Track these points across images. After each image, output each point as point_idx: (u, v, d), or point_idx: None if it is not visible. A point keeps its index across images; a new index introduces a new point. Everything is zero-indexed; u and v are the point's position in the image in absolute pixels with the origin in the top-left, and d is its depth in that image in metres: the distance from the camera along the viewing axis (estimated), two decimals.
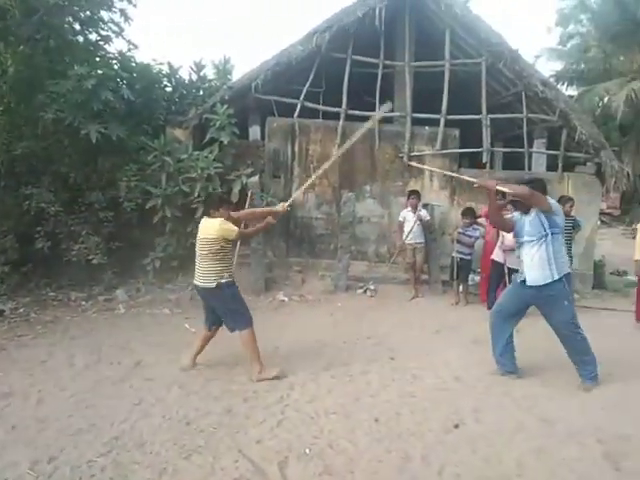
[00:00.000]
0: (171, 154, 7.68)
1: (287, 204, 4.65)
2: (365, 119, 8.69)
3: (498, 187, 4.15)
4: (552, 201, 4.19)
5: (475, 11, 8.45)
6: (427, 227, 7.76)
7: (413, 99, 8.79)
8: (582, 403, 3.92)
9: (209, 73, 9.78)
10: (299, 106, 8.62)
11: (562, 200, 7.12)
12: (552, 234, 4.09)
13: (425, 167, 8.27)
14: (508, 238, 6.65)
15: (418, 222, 7.52)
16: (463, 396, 4.00)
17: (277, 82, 8.50)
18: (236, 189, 7.96)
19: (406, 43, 8.82)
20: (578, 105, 11.38)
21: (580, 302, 7.72)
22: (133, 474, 2.78)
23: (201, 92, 9.27)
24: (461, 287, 7.38)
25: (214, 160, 7.81)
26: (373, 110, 8.60)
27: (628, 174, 8.96)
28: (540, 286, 4.11)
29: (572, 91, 19.62)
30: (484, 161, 8.74)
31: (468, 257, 7.30)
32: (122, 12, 8.08)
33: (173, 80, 9.05)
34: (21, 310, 6.23)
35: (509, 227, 4.40)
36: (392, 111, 8.42)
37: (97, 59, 7.95)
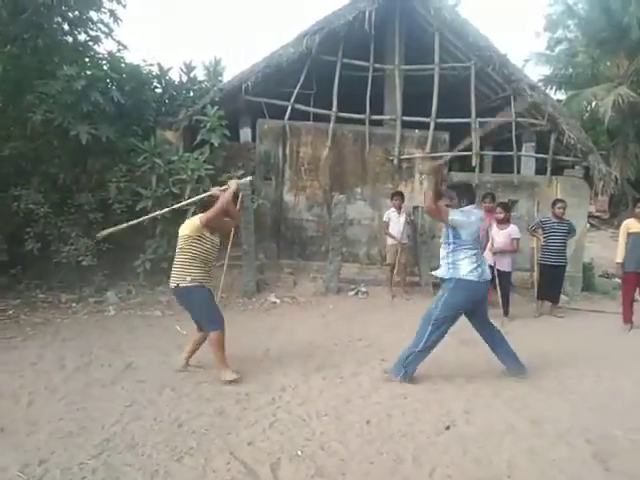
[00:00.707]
0: (161, 156, 7.66)
1: (223, 188, 4.45)
2: (355, 122, 8.80)
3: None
4: (459, 217, 4.18)
5: (464, 15, 8.58)
6: (414, 228, 7.88)
7: (403, 102, 8.86)
8: (571, 404, 3.96)
9: (199, 74, 9.81)
10: (290, 108, 8.65)
11: (554, 203, 7.22)
12: (454, 244, 4.24)
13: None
14: (497, 240, 6.73)
15: (408, 221, 7.61)
16: (454, 397, 4.02)
17: (268, 84, 8.52)
18: None
19: (396, 47, 8.90)
20: (566, 109, 11.50)
21: (569, 304, 7.84)
22: (125, 476, 2.76)
23: (191, 93, 9.27)
24: None
25: (205, 162, 7.81)
26: (363, 112, 8.68)
27: (616, 178, 9.09)
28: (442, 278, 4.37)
29: (560, 95, 19.84)
30: (473, 164, 8.82)
31: None
32: (111, 12, 8.07)
33: (163, 81, 9.03)
34: (11, 312, 6.17)
35: (443, 217, 4.24)
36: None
37: (86, 60, 7.92)
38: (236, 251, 7.40)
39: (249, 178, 5.17)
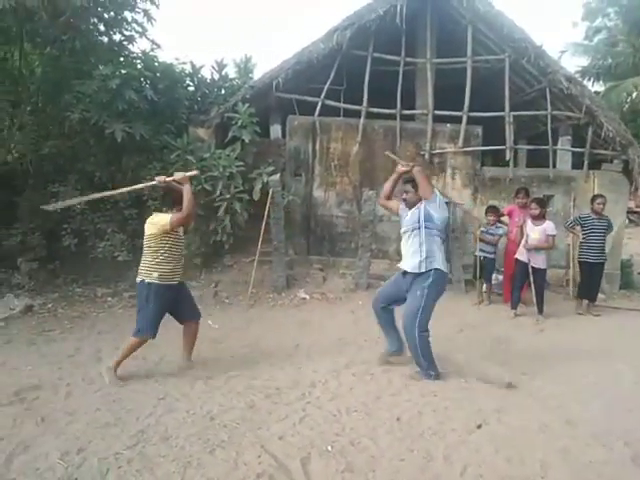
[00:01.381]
0: (194, 153, 7.77)
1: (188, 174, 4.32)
2: (386, 117, 8.73)
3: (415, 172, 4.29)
4: (438, 198, 4.23)
5: (498, 6, 8.37)
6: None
7: (435, 96, 8.73)
8: (608, 404, 3.85)
9: (230, 72, 9.89)
10: (320, 104, 8.64)
11: (593, 199, 7.02)
12: (425, 228, 4.16)
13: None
14: (532, 237, 6.58)
15: None
16: (486, 396, 3.96)
17: (298, 80, 8.53)
18: (257, 187, 8.01)
19: (427, 40, 8.76)
20: (605, 101, 11.16)
21: (607, 302, 7.61)
22: (159, 467, 2.83)
23: (223, 91, 9.34)
24: (484, 286, 7.33)
25: (236, 159, 7.88)
26: (394, 107, 8.60)
27: None
28: (411, 273, 4.23)
29: (598, 87, 19.22)
30: (507, 159, 8.64)
31: (491, 256, 7.23)
32: (145, 12, 8.18)
33: (195, 79, 9.14)
34: (49, 306, 6.38)
35: (393, 210, 4.43)
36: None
37: (121, 59, 8.07)
38: (266, 247, 7.47)
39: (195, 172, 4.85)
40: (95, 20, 7.98)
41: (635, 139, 8.74)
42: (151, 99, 7.43)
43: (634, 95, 17.54)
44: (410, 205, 4.34)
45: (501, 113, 8.65)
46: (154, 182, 4.26)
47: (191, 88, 9.14)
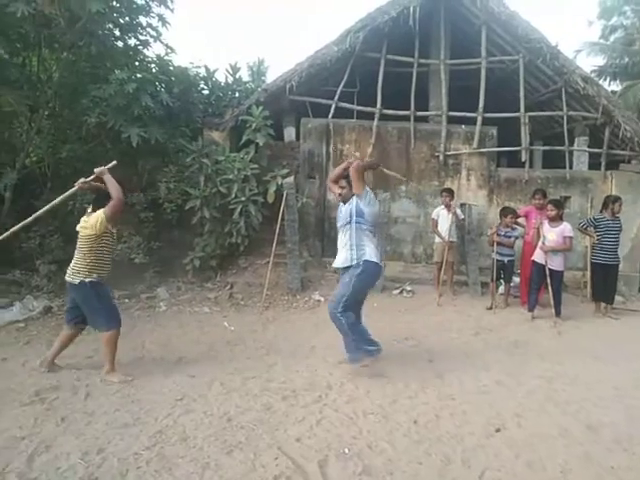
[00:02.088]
0: (209, 156, 7.83)
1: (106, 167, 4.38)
2: (399, 118, 8.71)
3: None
4: (369, 194, 4.31)
5: (512, 7, 8.32)
6: (460, 226, 7.74)
7: (449, 97, 8.69)
8: (630, 409, 3.80)
9: (244, 75, 9.94)
10: (333, 107, 8.65)
11: (609, 199, 6.93)
12: (356, 222, 4.25)
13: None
14: (549, 238, 6.52)
15: (456, 220, 7.50)
16: (504, 400, 3.93)
17: (311, 83, 8.56)
18: (272, 190, 8.04)
19: (441, 41, 8.74)
20: (622, 101, 11.01)
21: (626, 305, 7.50)
22: (177, 467, 2.84)
23: (237, 94, 9.42)
24: (501, 289, 7.28)
25: (250, 161, 7.93)
26: (407, 109, 8.58)
27: None
28: (344, 267, 4.34)
29: (615, 86, 18.93)
30: (523, 160, 8.57)
31: (510, 258, 7.16)
32: (160, 17, 8.25)
33: (210, 83, 9.23)
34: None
35: (358, 188, 4.31)
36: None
37: (136, 64, 8.15)
38: (281, 249, 7.49)
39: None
40: (110, 25, 8.06)
41: None
42: (166, 103, 7.50)
43: None
44: (344, 200, 4.42)
45: (516, 114, 8.59)
46: (75, 188, 4.40)
47: (205, 92, 9.22)
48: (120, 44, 8.36)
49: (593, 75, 12.93)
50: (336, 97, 8.64)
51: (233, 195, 7.70)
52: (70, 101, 7.74)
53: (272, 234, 7.20)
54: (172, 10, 8.25)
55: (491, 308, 6.93)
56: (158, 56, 8.37)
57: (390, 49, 8.66)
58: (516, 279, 7.57)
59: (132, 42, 8.40)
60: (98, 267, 4.19)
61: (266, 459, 2.96)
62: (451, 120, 8.67)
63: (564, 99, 8.59)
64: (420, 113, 8.73)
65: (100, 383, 4.06)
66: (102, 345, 4.24)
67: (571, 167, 8.70)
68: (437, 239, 7.68)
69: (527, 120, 8.57)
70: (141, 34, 8.34)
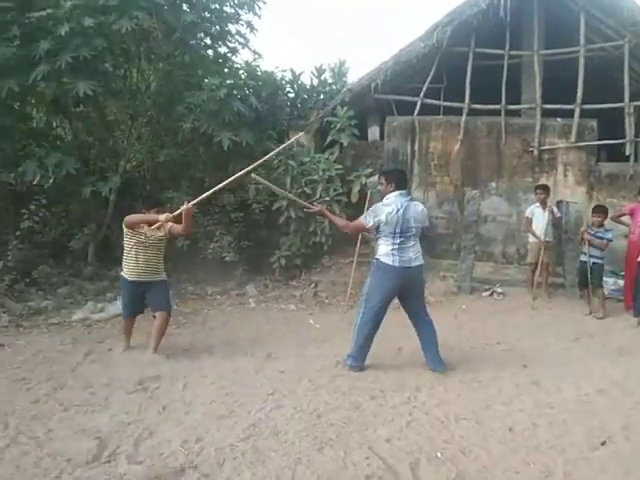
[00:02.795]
0: (294, 157, 8.00)
1: (171, 215, 4.59)
2: (489, 113, 8.38)
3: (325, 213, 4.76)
4: (371, 219, 4.28)
5: None
6: (557, 225, 7.27)
7: (543, 90, 8.23)
8: None
9: (327, 76, 10.02)
10: (419, 103, 8.50)
11: None
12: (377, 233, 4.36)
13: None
14: None
15: (552, 218, 7.07)
16: (609, 411, 3.65)
17: (396, 81, 8.49)
18: (355, 189, 8.07)
19: (535, 31, 8.32)
20: None
21: None
22: (271, 461, 2.92)
23: (322, 96, 9.51)
24: (594, 296, 6.64)
25: (334, 162, 8.00)
26: (497, 103, 8.24)
27: None
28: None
29: None
30: (627, 153, 7.93)
31: (595, 260, 6.46)
32: (248, 24, 8.55)
33: (296, 86, 9.41)
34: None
35: (362, 229, 4.60)
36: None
37: (226, 70, 8.51)
38: (364, 248, 7.46)
39: None
40: (202, 35, 8.48)
41: None
42: (255, 107, 7.74)
43: None
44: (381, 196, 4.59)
45: (620, 104, 7.96)
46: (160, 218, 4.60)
47: (291, 95, 9.42)
48: (211, 52, 8.77)
49: None
50: (422, 94, 8.48)
51: (317, 195, 7.81)
52: (166, 108, 8.22)
53: (356, 233, 7.19)
54: (260, 16, 8.53)
55: (590, 314, 6.45)
56: (246, 62, 8.67)
57: (479, 42, 8.36)
58: (620, 282, 7.01)
59: (222, 50, 8.78)
60: (125, 262, 4.79)
61: (357, 458, 2.95)
62: (546, 113, 8.21)
63: None
64: (512, 107, 8.35)
65: (196, 375, 4.27)
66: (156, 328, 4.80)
67: None
68: (531, 238, 7.28)
69: (632, 110, 7.91)
70: (230, 42, 8.69)
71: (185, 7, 7.80)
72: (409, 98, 8.61)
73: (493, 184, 8.39)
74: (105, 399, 3.76)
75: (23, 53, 6.45)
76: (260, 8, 8.37)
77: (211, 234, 7.64)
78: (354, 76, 9.26)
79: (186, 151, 8.29)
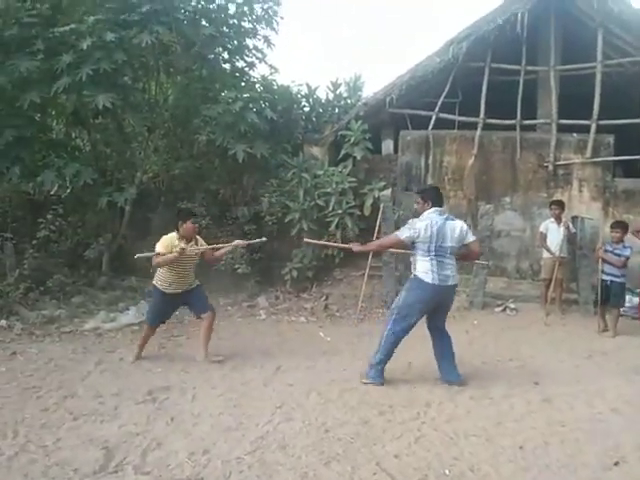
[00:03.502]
0: (308, 170, 8.06)
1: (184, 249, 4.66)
2: (504, 128, 8.36)
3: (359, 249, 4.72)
4: (407, 233, 4.29)
5: (636, 4, 7.70)
6: (572, 241, 7.18)
7: (559, 105, 8.19)
8: None
9: (343, 90, 10.10)
10: (434, 118, 8.51)
11: None
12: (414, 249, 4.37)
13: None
14: None
15: (567, 234, 6.98)
16: (623, 430, 3.57)
17: (411, 95, 8.51)
18: (368, 203, 8.08)
19: (551, 47, 8.30)
20: None
21: None
22: (277, 474, 2.90)
23: (336, 110, 9.59)
24: (608, 314, 6.50)
25: (348, 175, 8.03)
26: (512, 118, 8.22)
27: None
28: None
29: None
30: None
31: (615, 279, 6.23)
32: (265, 39, 8.67)
33: (311, 100, 9.50)
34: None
35: (398, 244, 4.62)
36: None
37: (242, 84, 8.62)
38: (376, 262, 7.44)
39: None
40: (220, 49, 8.63)
41: None
42: (270, 120, 7.82)
43: None
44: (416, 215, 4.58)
45: (636, 120, 7.88)
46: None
47: (307, 108, 9.51)
48: (228, 66, 8.92)
49: None
50: (437, 108, 8.50)
51: (330, 208, 7.84)
52: (183, 121, 8.36)
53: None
54: (277, 32, 8.65)
55: (603, 331, 6.33)
56: (263, 76, 8.79)
57: (495, 57, 8.37)
58: (635, 299, 6.88)
59: (239, 64, 8.92)
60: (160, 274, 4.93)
61: (364, 473, 2.93)
62: (561, 129, 8.16)
63: None
64: (527, 122, 8.32)
65: (205, 386, 4.28)
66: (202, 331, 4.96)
67: None
68: (545, 254, 7.20)
69: None
70: (247, 56, 8.84)
71: (204, 22, 7.96)
72: (424, 112, 8.63)
73: (507, 199, 8.33)
74: (114, 409, 3.79)
75: (46, 67, 6.63)
76: (278, 23, 8.51)
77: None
78: (370, 90, 9.34)
79: (201, 163, 8.40)
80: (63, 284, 6.98)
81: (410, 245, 4.39)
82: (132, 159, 8.28)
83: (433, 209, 4.34)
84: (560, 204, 7.20)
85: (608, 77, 8.23)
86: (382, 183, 8.22)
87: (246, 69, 9.02)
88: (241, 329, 6.24)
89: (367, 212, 8.00)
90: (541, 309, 7.08)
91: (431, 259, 4.23)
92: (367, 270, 7.19)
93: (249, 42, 8.73)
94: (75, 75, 6.51)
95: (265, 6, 8.34)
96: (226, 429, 3.46)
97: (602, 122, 7.95)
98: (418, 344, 5.65)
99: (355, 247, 4.70)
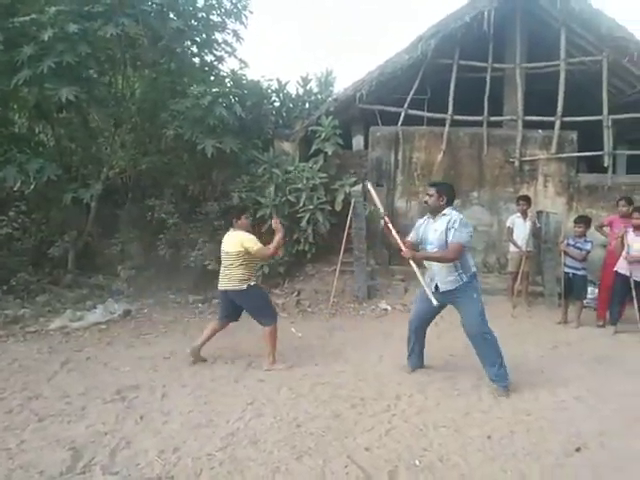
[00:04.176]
0: (279, 166, 8.02)
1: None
2: (472, 124, 8.50)
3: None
4: (467, 237, 4.14)
5: (595, 4, 7.90)
6: (537, 235, 7.37)
7: (525, 102, 8.38)
8: None
9: (313, 86, 10.09)
10: (403, 114, 8.58)
11: None
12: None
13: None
14: (634, 248, 6.10)
15: (533, 229, 7.15)
16: (585, 418, 3.70)
17: (381, 92, 8.56)
18: (339, 198, 8.09)
19: (517, 44, 8.47)
20: None
21: None
22: (249, 470, 2.90)
23: (307, 105, 9.56)
24: (572, 306, 6.67)
25: (319, 170, 8.04)
26: (480, 114, 8.35)
27: None
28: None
29: None
30: (605, 165, 8.09)
31: (577, 272, 6.45)
32: (235, 33, 8.57)
33: (281, 95, 9.45)
34: (145, 310, 6.80)
35: (461, 250, 4.14)
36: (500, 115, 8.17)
37: (212, 78, 8.51)
38: (348, 257, 7.50)
39: None
40: (189, 42, 8.49)
41: None
42: (239, 115, 7.74)
43: None
44: (432, 211, 4.36)
45: (598, 117, 8.13)
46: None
47: (277, 103, 9.45)
48: (197, 60, 8.78)
49: None
50: (406, 104, 8.57)
51: (301, 204, 7.82)
52: (151, 115, 8.19)
53: (339, 242, 7.22)
54: (246, 26, 8.56)
55: (560, 323, 6.53)
56: (232, 70, 8.67)
57: (462, 55, 8.49)
58: (595, 290, 7.10)
59: (208, 58, 8.80)
60: (254, 273, 4.79)
61: (336, 467, 2.95)
62: (527, 125, 8.35)
63: None
64: (494, 118, 8.47)
65: (175, 384, 4.23)
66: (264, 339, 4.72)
67: None
68: (512, 248, 7.36)
69: (610, 123, 8.09)
70: (216, 50, 8.71)
71: (172, 15, 7.81)
72: (393, 109, 8.69)
73: (475, 194, 8.49)
74: (81, 409, 3.72)
75: (5, 58, 6.40)
76: (247, 17, 8.43)
77: (193, 242, 7.60)
78: (341, 85, 9.37)
79: (169, 158, 8.25)
80: (27, 283, 6.79)
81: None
82: (98, 154, 8.08)
83: (451, 206, 4.29)
84: (527, 199, 7.37)
85: (571, 75, 8.46)
86: (353, 179, 8.25)
87: (215, 63, 8.90)
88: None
89: (338, 207, 8.02)
90: (508, 302, 7.24)
91: (467, 253, 4.28)
92: (339, 265, 7.22)
93: (218, 36, 8.61)
94: (36, 67, 6.31)
95: (234, 0, 8.24)
96: (196, 426, 3.44)
97: (566, 119, 8.17)
98: (389, 338, 5.75)
99: (407, 253, 4.30)
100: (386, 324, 6.53)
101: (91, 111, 7.86)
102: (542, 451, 3.21)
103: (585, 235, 6.49)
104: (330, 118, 8.15)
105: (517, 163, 8.28)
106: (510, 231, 7.36)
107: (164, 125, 7.78)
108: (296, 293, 7.69)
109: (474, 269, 4.31)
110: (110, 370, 4.60)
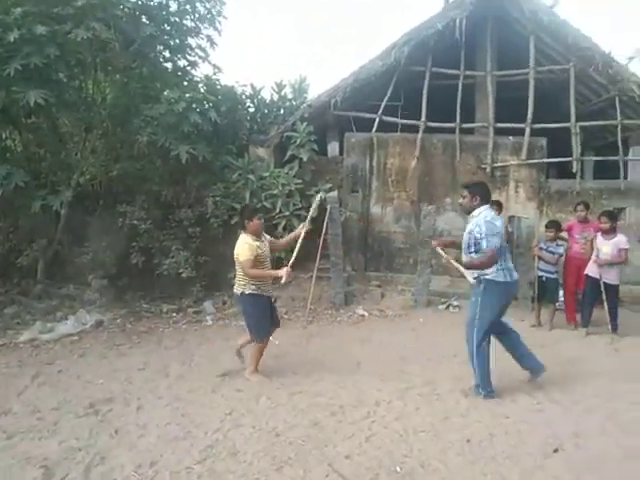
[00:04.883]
0: (254, 172, 7.97)
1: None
2: (445, 131, 8.61)
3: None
4: (494, 240, 3.96)
5: (563, 16, 8.14)
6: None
7: (496, 109, 8.54)
8: None
9: (288, 92, 10.07)
10: (377, 120, 8.65)
11: None
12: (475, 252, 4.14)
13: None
14: (604, 251, 6.25)
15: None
16: (561, 419, 3.76)
17: (355, 98, 8.60)
18: (315, 204, 8.06)
19: (488, 53, 8.65)
20: None
21: None
22: None
23: (282, 111, 9.54)
24: (545, 309, 6.80)
25: (294, 177, 8.02)
26: (453, 121, 8.48)
27: None
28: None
29: None
30: (574, 170, 8.30)
31: (553, 275, 6.63)
32: (208, 38, 8.50)
33: (256, 101, 9.41)
34: (118, 321, 6.65)
35: (493, 256, 3.99)
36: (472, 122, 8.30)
37: (185, 84, 8.40)
38: (324, 263, 7.48)
39: None
40: (161, 47, 8.37)
41: None
42: (214, 121, 7.67)
43: None
44: (465, 210, 4.31)
45: (566, 124, 8.34)
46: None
47: (251, 109, 9.41)
48: (170, 65, 8.67)
49: None
50: (380, 111, 8.63)
51: (277, 210, 7.79)
52: (122, 121, 8.04)
53: (315, 248, 7.20)
54: (220, 32, 8.50)
55: (534, 326, 6.65)
56: (206, 76, 8.60)
57: (435, 62, 8.61)
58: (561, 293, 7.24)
59: (181, 63, 8.69)
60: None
61: (316, 476, 2.92)
62: (498, 132, 8.51)
63: (618, 108, 8.28)
64: (466, 125, 8.61)
65: (150, 396, 4.14)
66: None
67: (626, 177, 8.35)
68: None
69: (578, 130, 8.31)
70: (190, 55, 8.61)
71: (144, 19, 7.70)
72: (368, 115, 8.75)
73: (448, 199, 8.59)
74: (54, 424, 3.61)
75: None
76: (220, 23, 8.37)
77: (167, 249, 7.45)
78: (315, 92, 9.34)
79: (142, 165, 8.11)
80: None
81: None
82: (68, 160, 7.88)
83: (486, 205, 4.14)
84: (499, 205, 7.48)
85: (541, 83, 8.67)
86: (328, 185, 8.27)
87: (188, 68, 8.80)
88: (187, 336, 6.07)
89: (314, 214, 8.00)
90: None
91: (500, 256, 4.02)
92: (315, 272, 7.20)
93: (192, 41, 8.51)
94: (2, 70, 6.13)
95: (208, 5, 8.18)
96: (173, 439, 3.37)
97: (536, 126, 8.35)
98: (366, 344, 5.75)
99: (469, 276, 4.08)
100: (363, 330, 6.54)
101: (60, 116, 7.69)
102: (521, 453, 3.24)
103: (556, 239, 6.65)
104: (305, 124, 8.15)
105: (489, 169, 8.42)
106: None
107: (137, 131, 7.64)
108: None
109: (500, 278, 4.06)
110: (83, 383, 4.48)
